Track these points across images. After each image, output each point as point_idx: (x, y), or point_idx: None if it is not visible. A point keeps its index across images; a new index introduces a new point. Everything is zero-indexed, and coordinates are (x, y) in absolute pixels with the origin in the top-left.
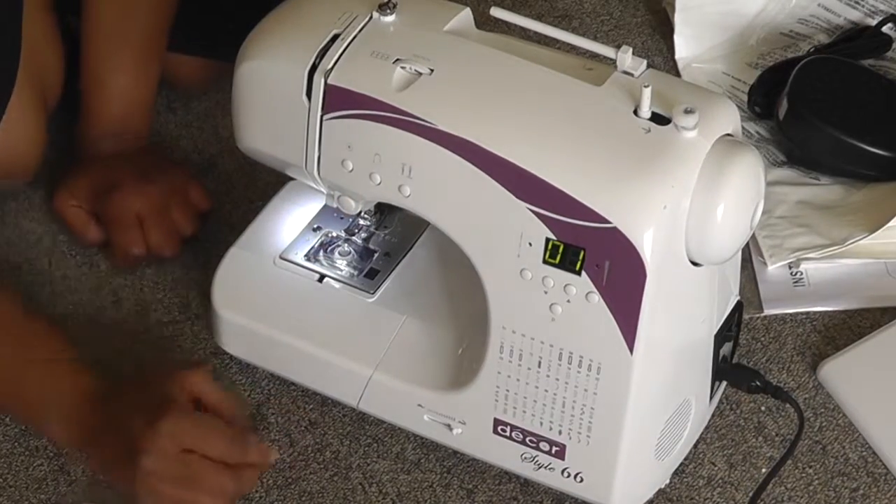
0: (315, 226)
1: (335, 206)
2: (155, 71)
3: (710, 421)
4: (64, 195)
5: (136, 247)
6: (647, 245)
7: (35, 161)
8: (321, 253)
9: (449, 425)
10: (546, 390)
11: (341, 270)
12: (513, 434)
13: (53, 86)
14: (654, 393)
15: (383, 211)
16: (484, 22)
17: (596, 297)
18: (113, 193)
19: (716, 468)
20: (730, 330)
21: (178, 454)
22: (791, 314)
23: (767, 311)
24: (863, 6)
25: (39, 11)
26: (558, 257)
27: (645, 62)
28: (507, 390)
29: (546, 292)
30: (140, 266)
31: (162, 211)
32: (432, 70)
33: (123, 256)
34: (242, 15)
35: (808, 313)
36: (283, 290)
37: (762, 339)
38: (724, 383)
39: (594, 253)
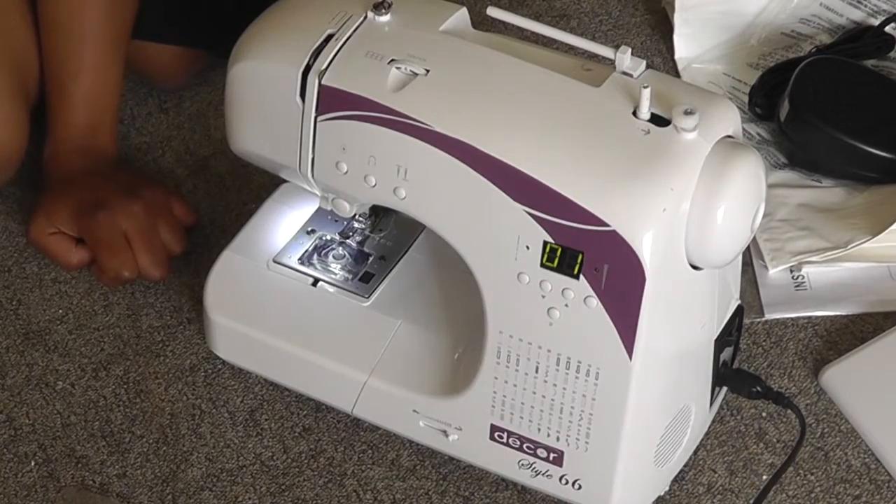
0: (309, 229)
1: (329, 208)
2: (117, 75)
3: (710, 427)
4: (40, 223)
5: (127, 270)
6: (646, 249)
7: (18, 151)
8: (315, 256)
9: (445, 431)
10: (544, 396)
11: (335, 274)
12: (510, 440)
13: (33, 74)
14: (653, 399)
15: (378, 214)
16: (480, 22)
17: (594, 302)
18: (99, 213)
19: (716, 475)
20: (730, 335)
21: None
22: (792, 318)
23: (768, 316)
24: (865, 6)
25: None
26: (556, 261)
27: (644, 62)
28: (504, 396)
29: (544, 296)
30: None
31: (150, 231)
32: (428, 71)
33: (113, 279)
34: (217, 1)
35: (809, 318)
36: (276, 295)
37: (763, 343)
38: (725, 389)
39: (592, 256)
